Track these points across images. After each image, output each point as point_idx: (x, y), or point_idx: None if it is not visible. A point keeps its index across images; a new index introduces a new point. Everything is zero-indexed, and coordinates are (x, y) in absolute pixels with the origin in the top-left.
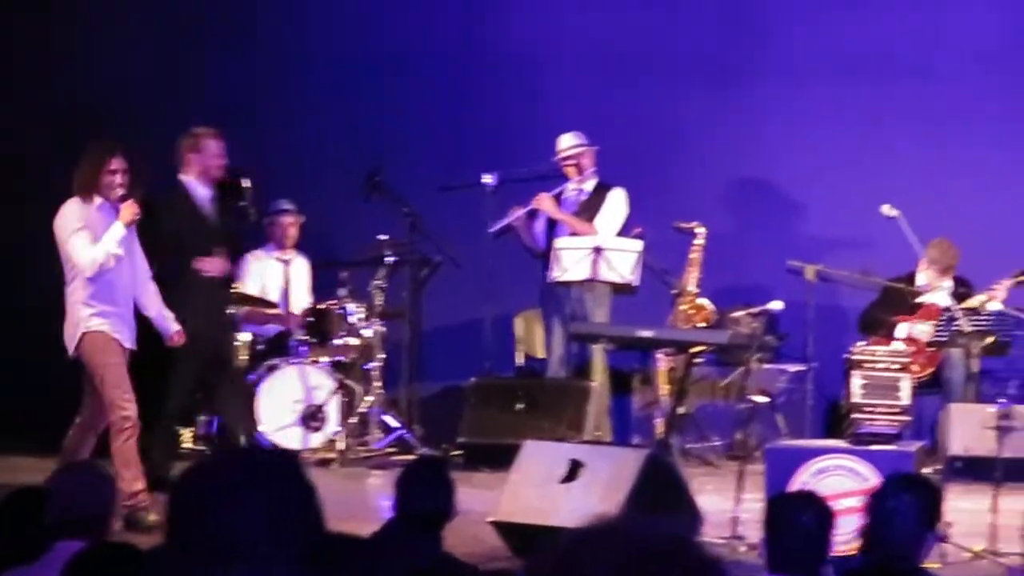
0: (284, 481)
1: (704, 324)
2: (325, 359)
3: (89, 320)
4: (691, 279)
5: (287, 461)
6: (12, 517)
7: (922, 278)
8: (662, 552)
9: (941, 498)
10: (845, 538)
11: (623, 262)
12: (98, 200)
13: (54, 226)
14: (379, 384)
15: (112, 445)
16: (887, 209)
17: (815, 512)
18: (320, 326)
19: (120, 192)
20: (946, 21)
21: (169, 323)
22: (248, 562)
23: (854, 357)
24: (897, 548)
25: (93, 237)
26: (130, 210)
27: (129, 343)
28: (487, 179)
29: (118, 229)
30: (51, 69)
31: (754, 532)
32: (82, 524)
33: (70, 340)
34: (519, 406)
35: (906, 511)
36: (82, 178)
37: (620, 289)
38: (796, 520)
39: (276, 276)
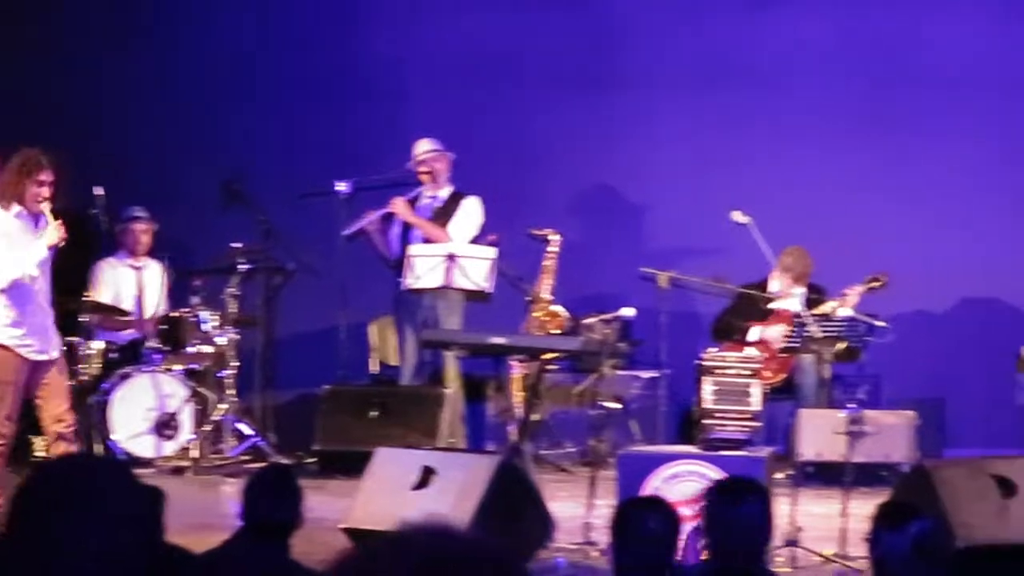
0: (120, 496)
1: (557, 331)
2: (178, 367)
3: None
4: (545, 286)
5: (123, 474)
6: None
7: (775, 284)
8: (461, 557)
9: (771, 501)
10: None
11: (477, 269)
12: (16, 208)
13: None
14: (233, 392)
15: None
16: (738, 216)
17: (662, 517)
18: (173, 334)
19: (46, 205)
20: (797, 29)
21: None
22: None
23: (705, 363)
24: (740, 552)
25: (7, 245)
26: (58, 233)
27: (42, 354)
28: (341, 186)
29: (42, 250)
30: None
31: (606, 538)
32: None
33: None
34: (373, 413)
35: (746, 515)
36: (6, 186)
37: (474, 296)
38: (643, 525)
39: (129, 283)
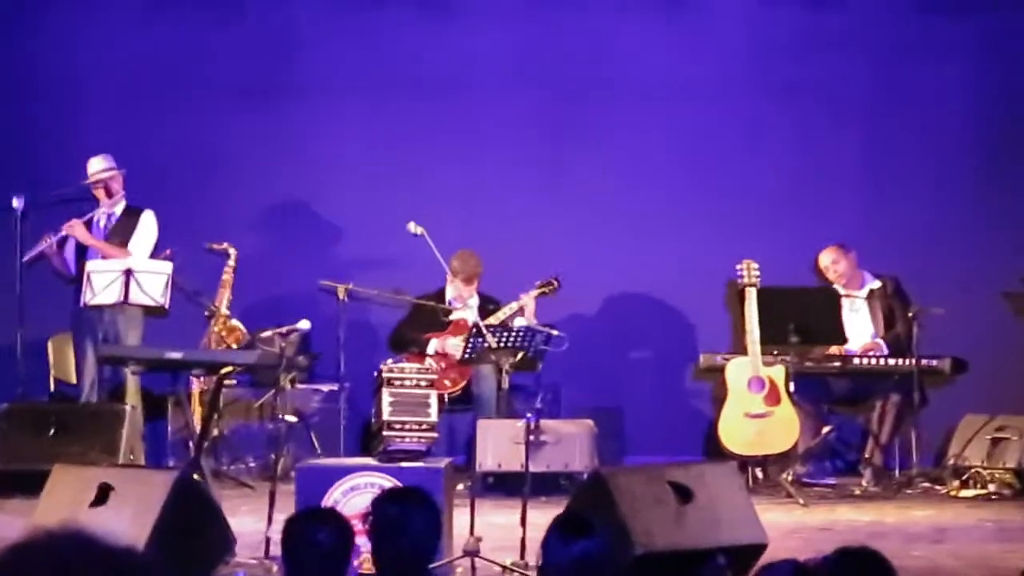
0: None
1: (236, 345)
2: None
3: None
4: (223, 300)
5: None
6: None
7: (450, 291)
8: (91, 565)
9: (439, 509)
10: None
11: (154, 284)
12: None
13: None
14: None
15: None
16: (413, 226)
17: (332, 529)
18: None
19: None
20: (477, 40)
21: None
22: None
23: (384, 375)
24: (403, 562)
25: None
26: None
27: None
28: (15, 203)
29: None
30: None
31: None
32: None
33: None
34: (52, 431)
35: (407, 523)
36: None
37: (152, 311)
38: (313, 538)
39: None
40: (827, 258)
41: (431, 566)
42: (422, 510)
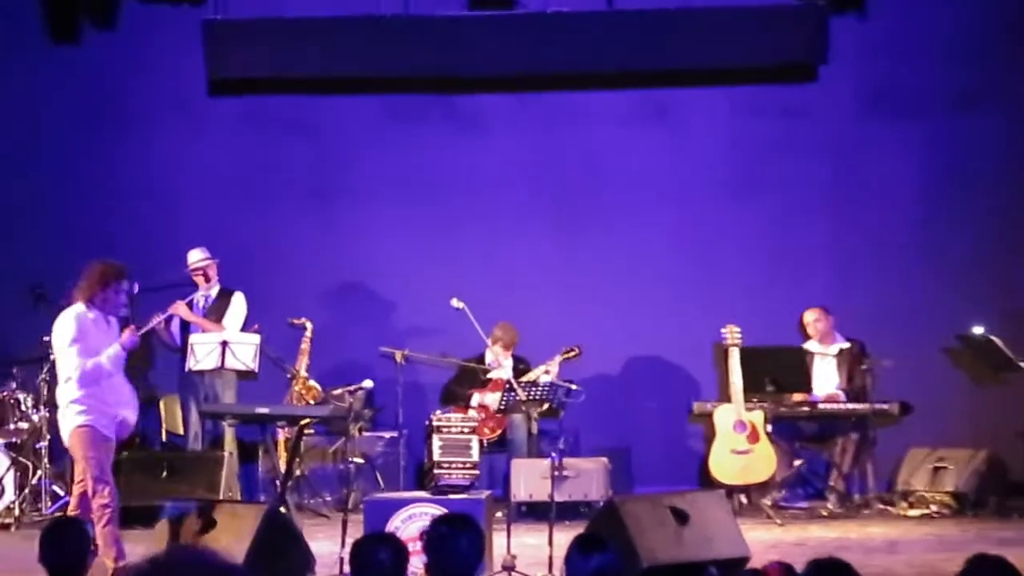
0: None
1: (313, 401)
2: (1, 441)
3: (76, 417)
4: (302, 365)
5: None
6: None
7: (489, 355)
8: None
9: (482, 531)
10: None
11: (245, 353)
12: (94, 313)
13: (56, 329)
14: (47, 460)
15: (95, 529)
16: (455, 302)
17: (391, 550)
18: None
19: (124, 312)
20: (498, 150)
21: None
22: None
23: (434, 423)
24: (453, 573)
25: (87, 347)
26: (132, 337)
27: (116, 434)
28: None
29: (118, 350)
30: None
31: None
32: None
33: (63, 432)
34: (163, 474)
35: (455, 544)
36: (89, 292)
37: (244, 375)
38: (375, 557)
39: None
40: (811, 316)
41: None
42: (468, 531)
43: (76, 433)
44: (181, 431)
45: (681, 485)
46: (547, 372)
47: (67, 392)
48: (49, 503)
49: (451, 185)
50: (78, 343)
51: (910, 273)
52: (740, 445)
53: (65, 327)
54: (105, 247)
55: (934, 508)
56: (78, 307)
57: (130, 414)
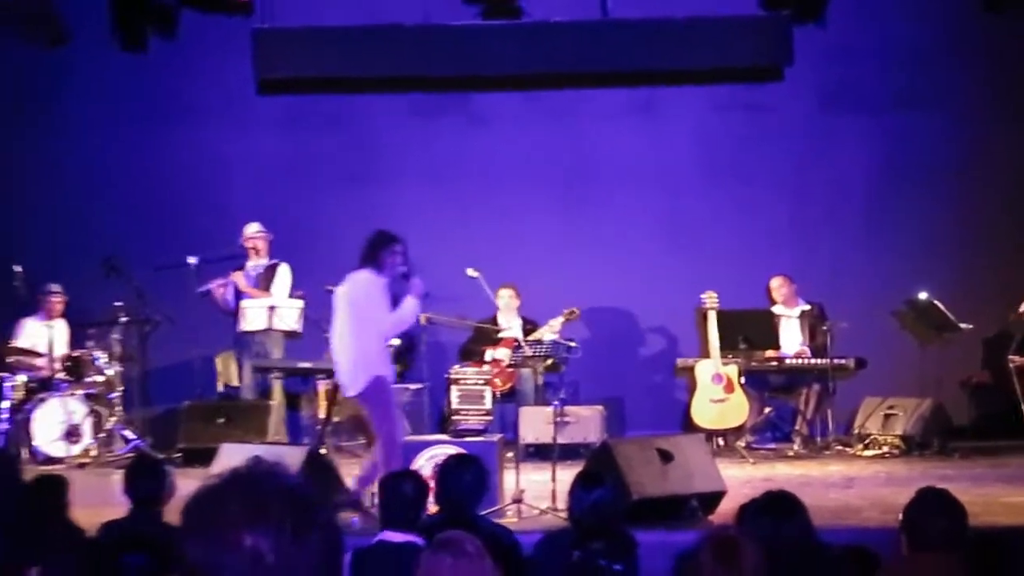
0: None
1: None
2: (80, 392)
3: (381, 368)
4: None
5: (3, 461)
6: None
7: (500, 318)
8: (277, 491)
9: (485, 467)
10: None
11: (290, 316)
12: (378, 276)
13: (359, 290)
14: (120, 408)
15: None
16: (470, 271)
17: (413, 485)
18: (76, 368)
19: (401, 271)
20: (504, 141)
21: None
22: None
23: (453, 376)
24: (456, 504)
25: (386, 305)
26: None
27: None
28: (191, 260)
29: (414, 303)
30: None
31: None
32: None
33: (358, 383)
34: (220, 420)
35: (460, 478)
36: (376, 258)
37: (290, 335)
38: (400, 491)
39: (43, 336)
40: (776, 282)
41: (487, 511)
42: (472, 467)
43: (377, 381)
44: (236, 383)
45: (666, 430)
46: (550, 331)
47: (367, 346)
48: (121, 444)
49: (466, 171)
50: (382, 303)
51: (863, 246)
52: (717, 395)
53: (369, 289)
54: (168, 226)
55: (886, 449)
56: (368, 272)
57: None
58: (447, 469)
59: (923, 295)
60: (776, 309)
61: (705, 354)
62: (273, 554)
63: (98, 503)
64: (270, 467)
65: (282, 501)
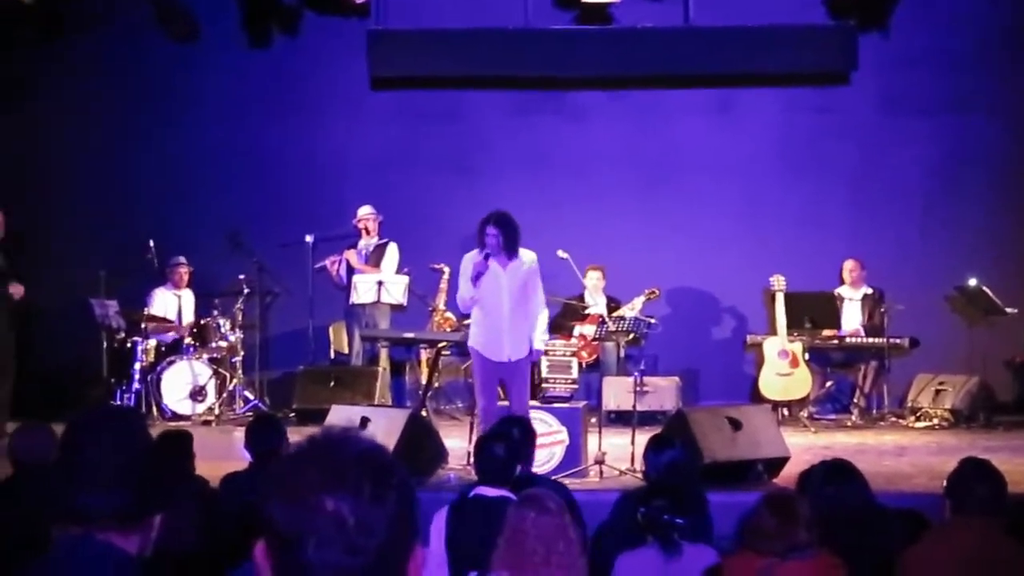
0: (129, 431)
1: (449, 329)
2: (205, 356)
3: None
4: (440, 300)
5: (133, 417)
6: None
7: (587, 296)
8: (355, 456)
9: (533, 431)
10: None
11: (397, 290)
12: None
13: (536, 268)
14: (241, 371)
15: None
16: (561, 253)
17: (506, 445)
18: (202, 335)
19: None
20: (598, 136)
21: None
22: (100, 486)
23: (543, 348)
24: (503, 460)
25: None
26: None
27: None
28: (308, 238)
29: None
30: None
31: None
32: None
33: (525, 351)
34: (331, 384)
35: (508, 432)
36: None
37: (396, 308)
38: (492, 452)
39: (173, 304)
40: (849, 264)
41: (571, 471)
42: (520, 425)
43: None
44: (346, 351)
45: (736, 400)
46: (632, 309)
47: (541, 318)
48: (242, 404)
49: (559, 162)
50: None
51: (919, 236)
52: (783, 369)
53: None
54: (288, 207)
55: (935, 421)
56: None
57: None
58: (498, 425)
59: (972, 281)
60: (841, 291)
61: (772, 332)
62: (353, 516)
63: (220, 457)
64: (345, 432)
65: (359, 465)
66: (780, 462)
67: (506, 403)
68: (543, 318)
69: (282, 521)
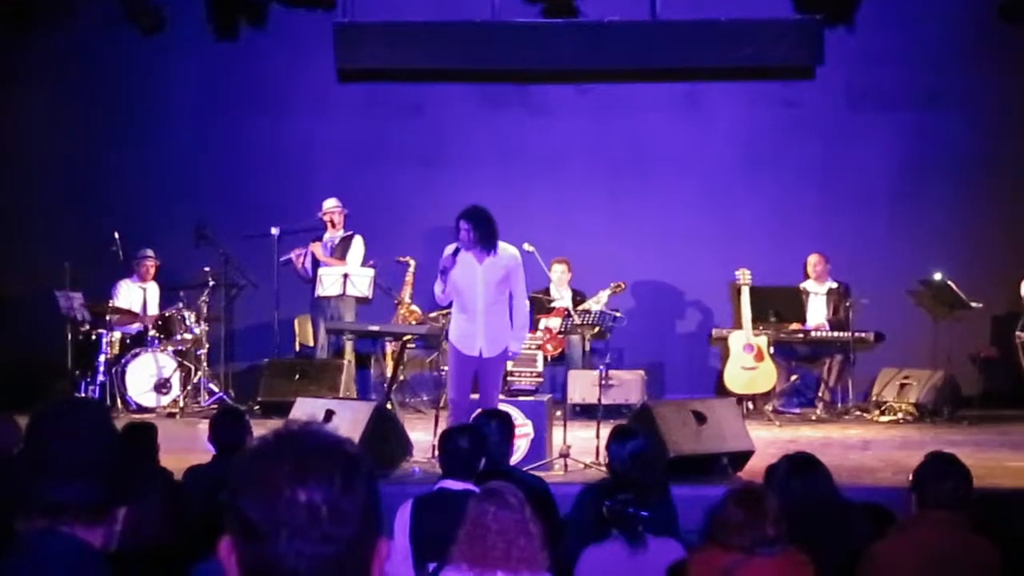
0: (94, 423)
1: (414, 322)
2: (170, 348)
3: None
4: (406, 293)
5: (98, 409)
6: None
7: (553, 289)
8: (323, 448)
9: (512, 425)
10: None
11: (362, 283)
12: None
13: (516, 268)
14: (206, 364)
15: None
16: (527, 246)
17: (470, 439)
18: (167, 326)
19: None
20: (561, 130)
21: None
22: (66, 478)
23: None
24: (491, 457)
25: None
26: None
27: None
28: (274, 230)
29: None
30: None
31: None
32: None
33: (502, 349)
34: (296, 376)
35: (493, 433)
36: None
37: (361, 301)
38: (456, 445)
39: (138, 296)
40: (813, 259)
41: (537, 463)
42: (499, 419)
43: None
44: (311, 343)
45: (701, 394)
46: (598, 302)
47: (521, 318)
48: (207, 397)
49: (525, 156)
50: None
51: (883, 231)
52: (748, 363)
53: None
54: (253, 200)
55: (900, 416)
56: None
57: None
58: (478, 420)
59: (938, 276)
60: (806, 285)
61: (738, 325)
62: (327, 506)
63: (184, 449)
64: (308, 425)
65: (328, 456)
66: (745, 456)
67: (475, 396)
68: (523, 318)
69: (255, 515)
